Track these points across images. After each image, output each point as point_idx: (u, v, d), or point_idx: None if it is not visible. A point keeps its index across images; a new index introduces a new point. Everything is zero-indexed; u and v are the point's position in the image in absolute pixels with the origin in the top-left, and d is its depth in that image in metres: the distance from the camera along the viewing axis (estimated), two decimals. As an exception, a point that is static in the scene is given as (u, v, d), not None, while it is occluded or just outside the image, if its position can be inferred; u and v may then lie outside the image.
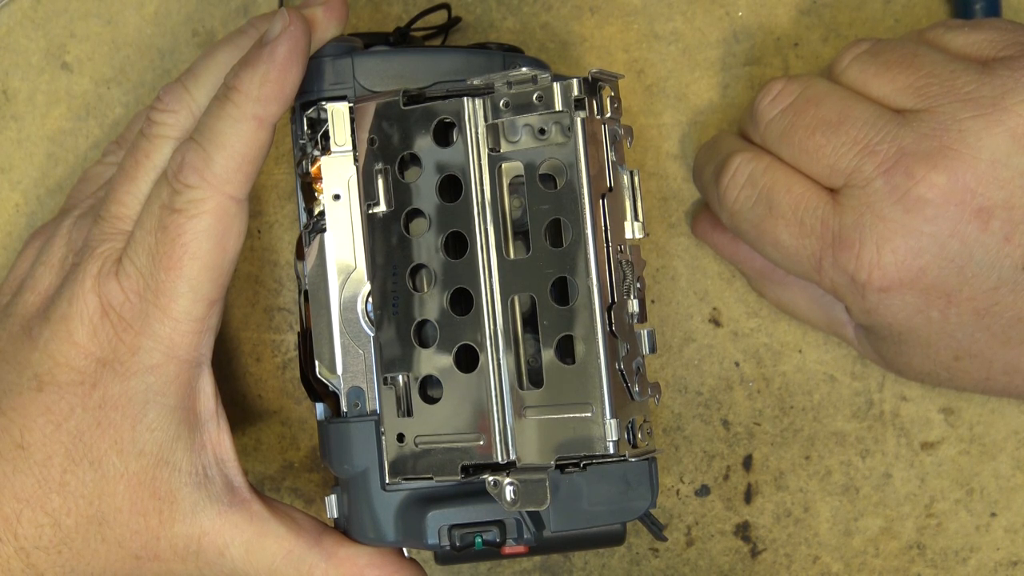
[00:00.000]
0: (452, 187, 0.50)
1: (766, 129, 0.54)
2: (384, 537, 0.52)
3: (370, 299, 0.52)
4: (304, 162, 0.54)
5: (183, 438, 0.52)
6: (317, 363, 0.53)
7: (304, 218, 0.54)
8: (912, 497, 0.61)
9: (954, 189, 0.50)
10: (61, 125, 0.62)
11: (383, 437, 0.51)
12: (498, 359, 0.50)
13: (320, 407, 0.54)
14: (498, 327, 0.50)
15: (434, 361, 0.50)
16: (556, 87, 0.49)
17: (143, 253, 0.51)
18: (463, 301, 0.50)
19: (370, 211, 0.51)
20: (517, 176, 0.50)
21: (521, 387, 0.49)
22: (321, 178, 0.53)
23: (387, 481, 0.51)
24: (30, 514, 0.51)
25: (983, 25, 0.54)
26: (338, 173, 0.52)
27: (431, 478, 0.50)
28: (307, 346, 0.53)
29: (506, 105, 0.50)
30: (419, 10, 0.61)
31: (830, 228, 0.52)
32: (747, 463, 0.62)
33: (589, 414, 0.48)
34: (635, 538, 0.61)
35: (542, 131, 0.49)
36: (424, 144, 0.50)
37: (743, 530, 0.62)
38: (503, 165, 0.50)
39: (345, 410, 0.52)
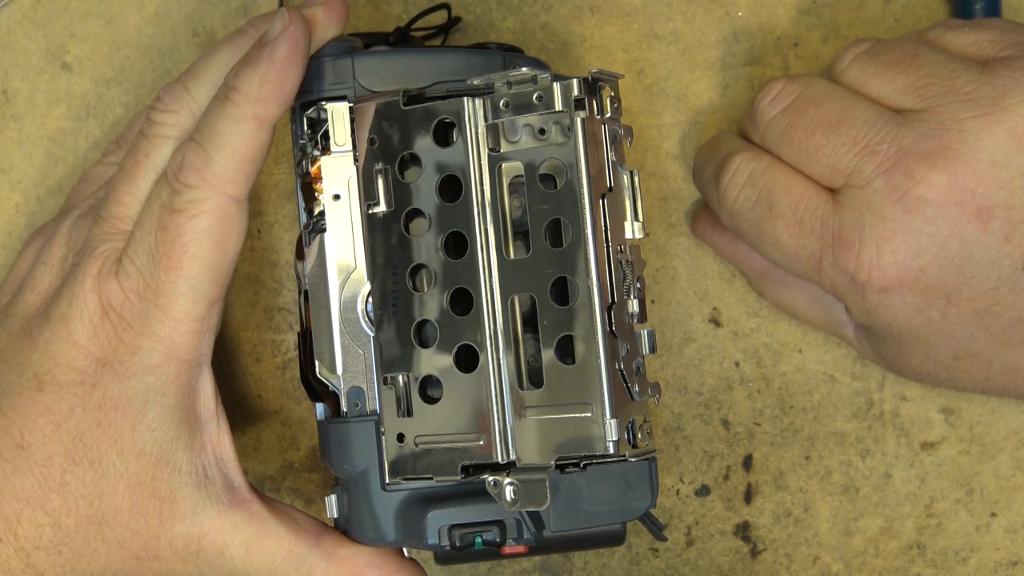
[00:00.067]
0: (452, 187, 0.50)
1: (766, 129, 0.54)
2: (384, 537, 0.52)
3: (370, 299, 0.52)
4: (304, 162, 0.54)
5: (183, 438, 0.52)
6: (317, 363, 0.53)
7: (304, 218, 0.54)
8: (912, 497, 0.61)
9: (954, 189, 0.50)
10: (61, 125, 0.62)
11: (383, 437, 0.51)
12: (498, 359, 0.50)
13: (320, 407, 0.54)
14: (498, 327, 0.50)
15: (434, 361, 0.50)
16: (556, 87, 0.49)
17: (143, 253, 0.51)
18: (463, 301, 0.50)
19: (370, 211, 0.51)
20: (517, 176, 0.50)
21: (521, 387, 0.49)
22: (321, 178, 0.53)
23: (387, 481, 0.51)
24: (30, 514, 0.51)
25: (983, 25, 0.54)
26: (338, 173, 0.52)
27: (431, 478, 0.50)
28: (307, 346, 0.53)
29: (506, 105, 0.50)
30: (419, 10, 0.61)
31: (830, 228, 0.52)
32: (747, 463, 0.62)
33: (589, 414, 0.48)
34: (635, 538, 0.61)
35: (542, 131, 0.49)
36: (424, 144, 0.50)
37: (743, 530, 0.62)
38: (503, 165, 0.50)
39: (345, 410, 0.52)
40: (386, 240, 0.51)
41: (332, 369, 0.52)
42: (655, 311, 0.61)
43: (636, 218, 0.51)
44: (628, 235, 0.51)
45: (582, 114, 0.48)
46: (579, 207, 0.48)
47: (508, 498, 0.48)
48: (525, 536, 0.51)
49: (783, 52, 0.62)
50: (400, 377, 0.51)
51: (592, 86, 0.49)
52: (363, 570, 0.52)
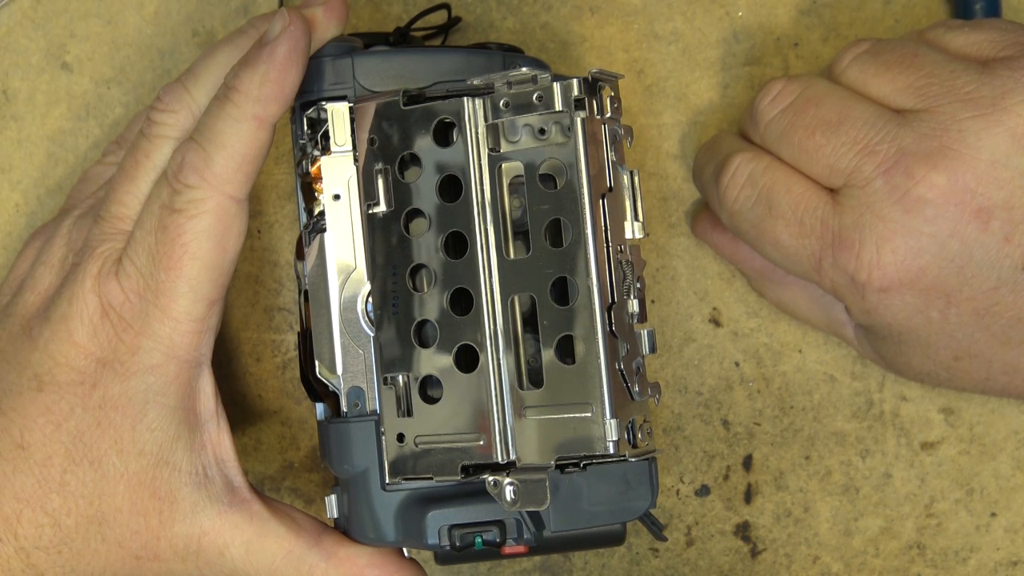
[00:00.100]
0: (452, 187, 0.50)
1: (766, 129, 0.54)
2: (384, 537, 0.52)
3: (370, 299, 0.52)
4: (304, 162, 0.54)
5: (183, 438, 0.52)
6: (317, 363, 0.53)
7: (304, 218, 0.54)
8: (912, 497, 0.61)
9: (954, 189, 0.50)
10: (61, 125, 0.62)
11: (383, 437, 0.51)
12: (498, 359, 0.50)
13: (320, 407, 0.54)
14: (498, 327, 0.50)
15: (434, 361, 0.50)
16: (556, 87, 0.49)
17: (143, 253, 0.51)
18: (463, 301, 0.50)
19: (370, 211, 0.51)
20: (517, 176, 0.50)
21: (521, 387, 0.49)
22: (321, 178, 0.53)
23: (387, 481, 0.51)
24: (30, 514, 0.51)
25: (983, 25, 0.54)
26: (338, 173, 0.52)
27: (431, 478, 0.50)
28: (307, 346, 0.53)
29: (506, 105, 0.50)
30: (419, 10, 0.61)
31: (830, 228, 0.52)
32: (747, 463, 0.62)
33: (589, 414, 0.48)
34: (635, 538, 0.61)
35: (542, 131, 0.49)
36: (424, 144, 0.50)
37: (743, 530, 0.62)
38: (503, 165, 0.50)
39: (345, 410, 0.52)
40: (386, 240, 0.51)
41: (332, 369, 0.52)
42: (655, 311, 0.61)
43: (636, 218, 0.51)
44: (628, 235, 0.51)
45: (582, 114, 0.48)
46: (579, 207, 0.48)
47: (508, 498, 0.48)
48: (525, 536, 0.51)
49: (783, 52, 0.62)
50: (400, 377, 0.51)
51: (592, 86, 0.49)
52: (363, 570, 0.52)
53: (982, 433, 0.61)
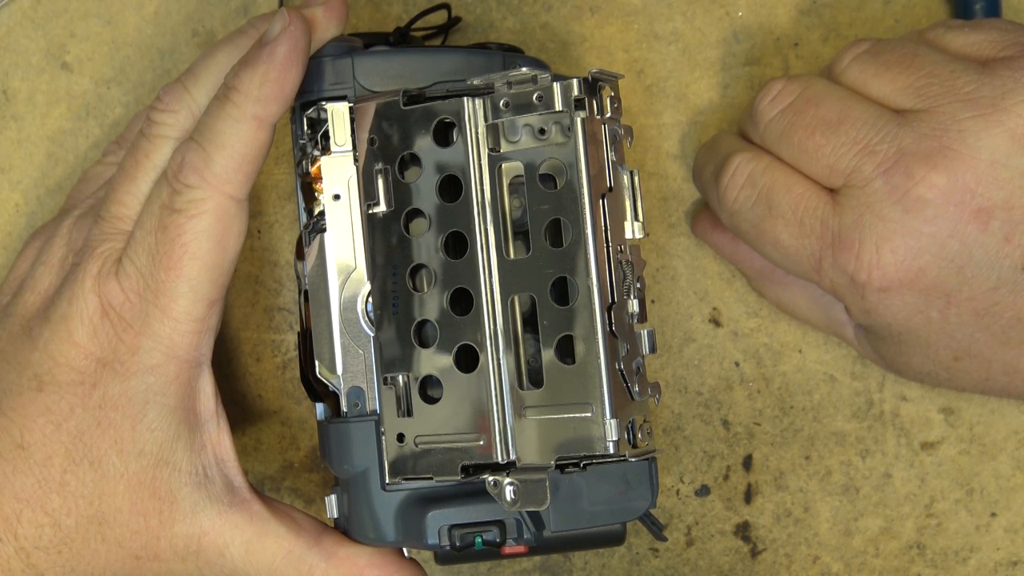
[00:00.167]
0: (452, 187, 0.50)
1: (766, 129, 0.54)
2: (384, 537, 0.52)
3: (370, 299, 0.52)
4: (304, 162, 0.54)
5: (183, 438, 0.52)
6: (317, 363, 0.53)
7: (304, 218, 0.54)
8: (912, 497, 0.61)
9: (954, 189, 0.50)
10: (61, 125, 0.62)
11: (383, 437, 0.51)
12: (498, 359, 0.50)
13: (320, 407, 0.54)
14: (498, 327, 0.50)
15: (434, 361, 0.50)
16: (556, 87, 0.49)
17: (143, 253, 0.51)
18: (463, 301, 0.50)
19: (370, 211, 0.51)
20: (517, 176, 0.50)
21: (521, 387, 0.49)
22: (321, 178, 0.53)
23: (387, 481, 0.51)
24: (30, 514, 0.51)
25: (983, 25, 0.54)
26: (338, 173, 0.52)
27: (431, 478, 0.50)
28: (307, 346, 0.53)
29: (506, 105, 0.50)
30: (419, 10, 0.61)
31: (830, 228, 0.52)
32: (747, 463, 0.62)
33: (589, 414, 0.48)
34: (635, 538, 0.61)
35: (542, 131, 0.49)
36: (424, 144, 0.50)
37: (743, 530, 0.62)
38: (503, 165, 0.50)
39: (345, 410, 0.52)
40: (386, 240, 0.51)
41: (332, 369, 0.52)
42: (655, 311, 0.61)
43: (636, 218, 0.51)
44: (628, 235, 0.51)
45: (582, 114, 0.48)
46: (579, 207, 0.48)
47: (508, 498, 0.48)
48: (525, 536, 0.51)
49: (783, 52, 0.62)
50: (400, 377, 0.51)
51: (592, 86, 0.49)
52: (363, 570, 0.52)
53: (982, 433, 0.61)
